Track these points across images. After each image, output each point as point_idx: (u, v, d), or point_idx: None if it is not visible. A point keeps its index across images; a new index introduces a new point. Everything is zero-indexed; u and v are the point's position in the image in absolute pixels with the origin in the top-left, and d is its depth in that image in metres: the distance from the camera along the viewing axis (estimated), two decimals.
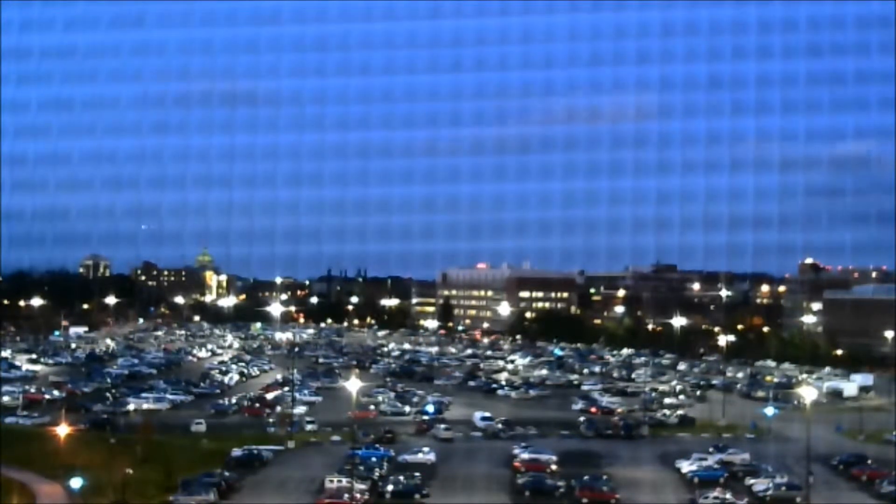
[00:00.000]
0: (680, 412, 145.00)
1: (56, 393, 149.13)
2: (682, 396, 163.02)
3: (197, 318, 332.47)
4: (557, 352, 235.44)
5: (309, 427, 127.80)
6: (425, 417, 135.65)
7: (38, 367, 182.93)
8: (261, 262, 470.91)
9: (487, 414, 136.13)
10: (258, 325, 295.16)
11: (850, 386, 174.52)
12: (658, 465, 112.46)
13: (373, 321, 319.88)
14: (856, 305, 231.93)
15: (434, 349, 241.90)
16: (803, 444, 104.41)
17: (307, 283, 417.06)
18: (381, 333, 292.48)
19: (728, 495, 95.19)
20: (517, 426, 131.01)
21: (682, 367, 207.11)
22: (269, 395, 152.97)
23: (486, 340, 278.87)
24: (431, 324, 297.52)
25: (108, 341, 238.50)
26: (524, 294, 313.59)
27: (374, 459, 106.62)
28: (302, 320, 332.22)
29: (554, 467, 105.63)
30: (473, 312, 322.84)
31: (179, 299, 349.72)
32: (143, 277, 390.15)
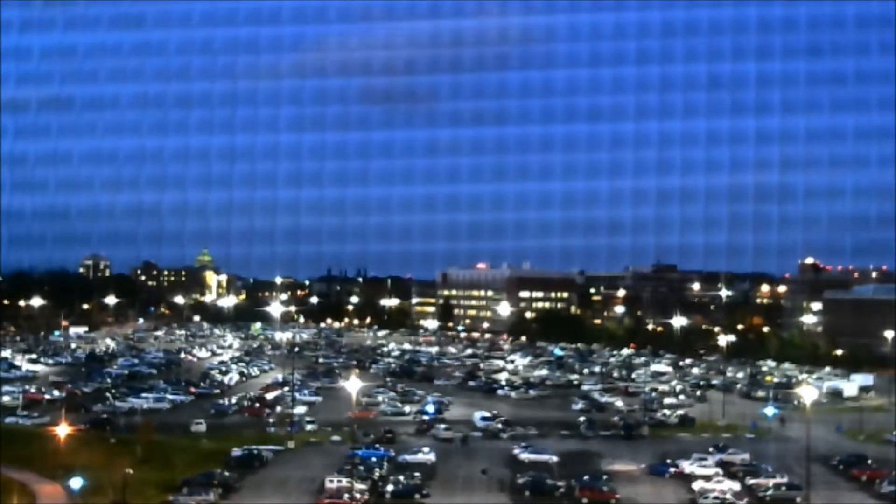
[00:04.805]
0: (680, 412, 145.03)
1: (56, 393, 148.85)
2: (682, 396, 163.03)
3: (197, 318, 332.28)
4: (557, 352, 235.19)
5: (309, 427, 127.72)
6: (425, 417, 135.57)
7: (38, 367, 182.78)
8: (261, 262, 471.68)
9: (487, 414, 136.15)
10: (258, 325, 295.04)
11: (850, 386, 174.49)
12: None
13: (373, 321, 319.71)
14: (856, 305, 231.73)
15: (434, 349, 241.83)
16: (803, 444, 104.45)
17: (307, 283, 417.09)
18: (381, 333, 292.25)
19: (728, 495, 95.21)
20: (517, 426, 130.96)
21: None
22: (269, 395, 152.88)
23: (493, 337, 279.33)
24: (431, 324, 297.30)
25: (108, 341, 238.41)
26: (524, 294, 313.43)
27: (374, 459, 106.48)
28: (302, 320, 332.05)
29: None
30: (473, 312, 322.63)
31: (179, 299, 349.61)
32: (143, 277, 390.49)
